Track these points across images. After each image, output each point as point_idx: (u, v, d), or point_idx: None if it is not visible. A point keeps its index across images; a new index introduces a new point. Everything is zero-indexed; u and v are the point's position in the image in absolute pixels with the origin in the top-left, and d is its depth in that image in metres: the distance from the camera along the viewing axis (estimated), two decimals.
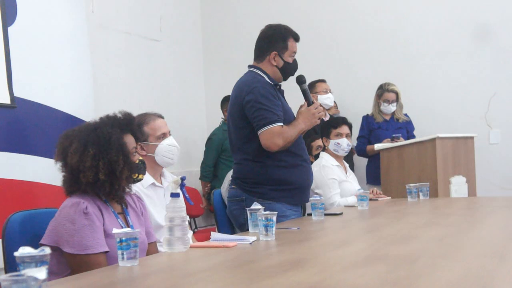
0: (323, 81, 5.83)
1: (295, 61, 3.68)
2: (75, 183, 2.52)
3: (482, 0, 6.04)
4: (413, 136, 5.64)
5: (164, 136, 3.37)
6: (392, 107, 5.66)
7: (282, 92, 3.71)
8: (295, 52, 3.67)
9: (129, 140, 2.68)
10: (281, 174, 3.60)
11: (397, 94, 5.66)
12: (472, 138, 5.39)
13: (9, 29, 4.00)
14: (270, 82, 3.63)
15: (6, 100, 3.94)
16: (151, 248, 2.75)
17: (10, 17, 4.02)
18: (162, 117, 3.49)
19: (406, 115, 5.79)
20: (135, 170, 2.66)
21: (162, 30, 6.19)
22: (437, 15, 6.19)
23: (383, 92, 5.66)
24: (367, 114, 5.77)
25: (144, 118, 3.37)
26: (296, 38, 3.67)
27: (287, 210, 3.54)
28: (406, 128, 5.70)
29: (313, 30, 6.39)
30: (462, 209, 4.03)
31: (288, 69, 3.67)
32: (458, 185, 5.05)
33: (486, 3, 6.02)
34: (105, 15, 5.40)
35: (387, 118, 5.70)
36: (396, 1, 6.39)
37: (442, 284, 1.76)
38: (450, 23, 6.13)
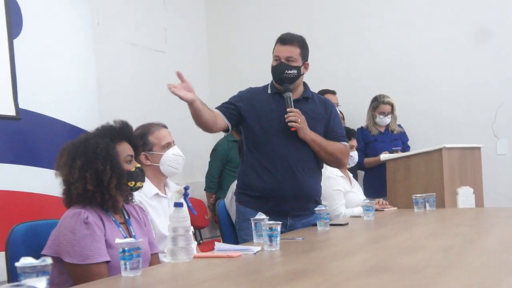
0: (332, 92, 5.84)
1: (279, 65, 3.58)
2: (67, 196, 2.55)
3: (488, 9, 6.03)
4: (408, 147, 5.70)
5: (169, 145, 3.36)
6: (388, 119, 5.68)
7: (286, 98, 3.59)
8: (276, 56, 3.61)
9: (123, 148, 2.67)
10: (245, 179, 3.66)
11: (392, 106, 5.67)
12: (479, 148, 5.37)
13: (15, 41, 4.02)
14: (269, 90, 3.68)
15: (11, 112, 3.95)
16: (153, 259, 2.74)
17: (15, 29, 4.04)
18: (166, 127, 3.49)
19: (399, 126, 5.80)
20: (131, 178, 2.65)
21: (167, 41, 6.20)
22: (442, 25, 6.18)
23: (379, 104, 5.67)
24: (362, 127, 5.78)
25: (149, 127, 3.37)
26: (281, 41, 3.62)
27: (253, 214, 3.21)
28: (401, 140, 5.73)
29: (318, 40, 6.38)
30: (469, 219, 4.00)
31: (272, 72, 3.64)
32: (465, 196, 5.02)
33: (492, 13, 6.01)
34: (110, 26, 5.41)
35: (382, 130, 5.73)
36: (399, 12, 6.38)
37: None
38: (455, 33, 6.12)
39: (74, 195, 2.52)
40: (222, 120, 3.54)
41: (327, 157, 3.70)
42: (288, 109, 3.55)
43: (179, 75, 3.21)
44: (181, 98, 3.19)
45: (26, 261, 1.82)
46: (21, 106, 4.00)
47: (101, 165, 2.53)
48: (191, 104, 3.26)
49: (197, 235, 6.07)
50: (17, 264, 1.82)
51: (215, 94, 6.44)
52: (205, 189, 6.07)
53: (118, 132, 2.70)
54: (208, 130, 3.53)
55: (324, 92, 5.65)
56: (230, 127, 3.61)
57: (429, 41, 6.22)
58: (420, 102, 6.18)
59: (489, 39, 5.98)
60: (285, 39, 3.60)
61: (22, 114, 4.01)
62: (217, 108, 3.59)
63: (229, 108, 3.61)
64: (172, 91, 3.13)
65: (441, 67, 6.17)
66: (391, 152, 5.37)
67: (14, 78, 3.99)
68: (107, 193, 2.55)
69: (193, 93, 3.24)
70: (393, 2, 6.42)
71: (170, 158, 3.35)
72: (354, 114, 6.11)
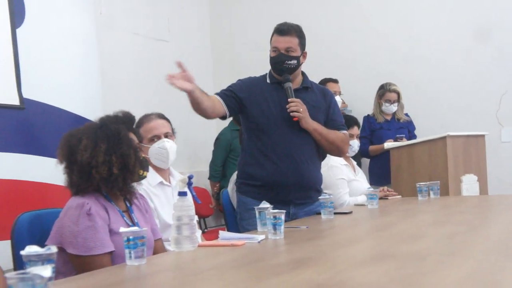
0: (334, 81, 5.83)
1: (278, 55, 3.58)
2: (84, 181, 2.52)
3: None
4: (415, 136, 5.68)
5: (157, 138, 3.36)
6: (394, 107, 5.68)
7: (286, 88, 3.60)
8: (275, 47, 3.61)
9: (133, 137, 2.69)
10: (246, 168, 3.67)
11: (398, 94, 5.68)
12: (483, 136, 5.37)
13: (18, 30, 4.01)
14: (267, 80, 3.68)
15: (15, 102, 3.95)
16: (157, 245, 2.75)
17: (18, 19, 4.03)
18: (163, 118, 3.49)
19: (406, 114, 5.81)
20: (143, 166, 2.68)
21: (170, 30, 6.20)
22: (445, 13, 6.18)
23: (385, 92, 5.68)
24: (368, 115, 5.78)
25: (142, 120, 3.39)
26: (278, 32, 3.61)
27: (254, 204, 3.26)
28: (407, 128, 5.73)
29: (322, 30, 6.39)
30: (473, 207, 4.01)
31: (272, 63, 3.64)
32: (469, 184, 5.02)
33: (498, 2, 5.99)
34: (114, 16, 5.41)
35: (388, 118, 5.73)
36: (402, 3, 6.36)
37: (450, 282, 1.74)
38: (458, 22, 6.11)
39: (95, 179, 2.51)
40: (221, 106, 3.54)
41: (328, 146, 3.71)
42: (289, 99, 3.56)
43: (179, 65, 3.20)
44: (179, 89, 3.19)
45: (31, 249, 1.84)
46: (24, 95, 4.00)
47: (127, 150, 2.56)
48: (190, 94, 3.26)
49: (202, 224, 6.09)
50: (22, 252, 1.83)
51: (219, 83, 6.42)
52: (209, 178, 6.09)
53: (127, 121, 2.71)
54: (206, 116, 3.52)
55: (326, 80, 5.65)
56: (228, 115, 3.62)
57: (434, 30, 6.22)
58: (424, 90, 6.18)
59: (493, 28, 5.96)
60: (283, 30, 3.59)
61: (26, 104, 4.01)
62: (217, 94, 3.59)
63: (230, 96, 3.60)
64: (170, 82, 3.12)
65: (446, 55, 6.18)
66: (396, 139, 5.38)
67: (18, 68, 3.98)
68: (130, 178, 2.58)
69: (193, 83, 3.22)
70: None
71: (155, 151, 3.38)
72: (359, 103, 6.11)
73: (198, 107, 3.37)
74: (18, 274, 1.38)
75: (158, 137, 3.39)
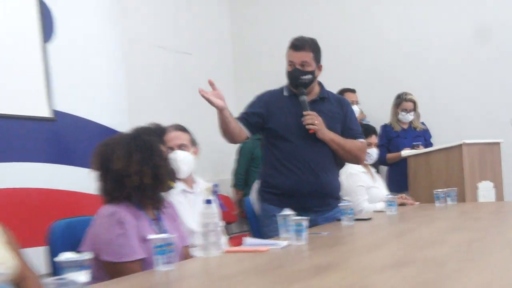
0: (352, 91, 5.83)
1: (293, 70, 3.61)
2: (118, 189, 2.54)
3: (507, 7, 5.99)
4: (431, 144, 5.66)
5: (170, 149, 3.36)
6: (410, 116, 5.68)
7: (302, 101, 3.62)
8: (291, 61, 3.63)
9: (163, 148, 2.72)
10: (267, 178, 3.69)
11: (414, 103, 5.68)
12: (498, 143, 5.33)
13: (47, 45, 4.06)
14: (285, 92, 3.70)
15: (47, 114, 4.00)
16: (185, 251, 2.76)
17: (48, 34, 4.08)
18: (180, 129, 3.51)
19: (423, 123, 5.80)
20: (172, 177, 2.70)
21: (193, 43, 6.23)
22: (460, 27, 6.15)
23: (401, 101, 5.68)
24: (385, 124, 5.77)
25: None
26: (293, 47, 3.62)
27: (276, 211, 3.22)
28: (424, 136, 5.71)
29: (340, 42, 6.39)
30: (490, 213, 3.97)
31: (288, 77, 3.66)
32: (485, 190, 4.99)
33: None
34: (139, 30, 5.46)
35: (405, 127, 5.72)
36: (419, 13, 6.35)
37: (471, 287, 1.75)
38: (473, 32, 6.07)
39: (127, 188, 2.53)
40: (242, 130, 3.59)
41: (345, 155, 3.72)
42: (304, 113, 3.58)
43: (211, 83, 3.26)
44: (211, 103, 3.24)
45: (65, 256, 1.86)
46: (55, 108, 4.05)
47: (158, 161, 2.58)
48: (221, 111, 3.32)
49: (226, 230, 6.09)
50: (58, 258, 1.86)
51: (240, 93, 6.46)
52: (232, 186, 6.10)
53: (158, 133, 2.74)
54: (232, 140, 3.60)
55: (344, 90, 5.67)
56: (249, 136, 3.67)
57: (450, 42, 6.19)
58: (439, 99, 6.15)
59: (507, 35, 5.93)
60: (297, 45, 3.60)
61: (57, 116, 4.05)
62: (237, 118, 3.61)
63: (250, 117, 3.64)
64: (203, 95, 3.17)
65: (461, 66, 6.15)
66: (412, 147, 5.37)
67: (48, 81, 4.03)
68: (160, 187, 2.61)
69: (223, 101, 3.28)
70: (412, 3, 6.39)
71: None
72: (376, 112, 6.10)
73: (226, 128, 3.43)
74: (56, 280, 1.41)
75: (172, 149, 3.40)
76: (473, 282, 1.82)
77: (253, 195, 4.06)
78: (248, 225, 4.11)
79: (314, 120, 3.56)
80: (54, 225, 2.67)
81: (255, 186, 3.97)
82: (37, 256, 2.82)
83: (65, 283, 1.40)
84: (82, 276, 1.43)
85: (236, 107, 6.20)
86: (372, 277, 1.97)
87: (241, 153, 5.99)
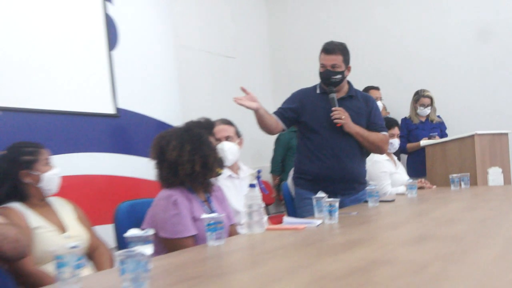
0: (376, 88, 5.79)
1: (325, 71, 3.58)
2: (172, 176, 2.56)
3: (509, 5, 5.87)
4: (446, 135, 5.60)
5: (218, 140, 3.35)
6: (427, 110, 5.62)
7: (331, 98, 3.60)
8: (322, 63, 3.60)
9: (212, 140, 2.73)
10: (300, 165, 3.67)
11: (431, 98, 5.63)
12: (506, 134, 5.25)
13: (112, 52, 4.11)
14: (317, 90, 3.68)
15: (112, 111, 4.05)
16: (231, 229, 2.77)
17: (113, 43, 4.13)
18: (226, 123, 3.53)
19: (439, 116, 5.74)
20: (220, 165, 2.71)
21: (236, 48, 6.24)
22: (472, 30, 6.04)
23: (420, 97, 5.64)
24: (405, 117, 5.73)
25: None
26: (325, 51, 3.60)
27: (308, 195, 3.37)
28: (439, 128, 5.66)
29: (365, 46, 6.33)
30: (500, 195, 3.92)
31: (320, 77, 3.64)
32: (495, 175, 4.92)
33: None
34: (189, 37, 5.47)
35: (423, 119, 5.67)
36: (435, 21, 6.26)
37: (487, 259, 1.72)
38: (479, 33, 5.97)
39: (180, 175, 2.55)
40: (279, 123, 3.58)
41: (369, 146, 3.70)
42: (333, 108, 3.57)
43: (243, 90, 3.27)
44: (246, 107, 3.26)
45: (133, 232, 1.89)
46: (119, 106, 4.10)
47: (207, 151, 2.59)
48: (256, 111, 3.34)
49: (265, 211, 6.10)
50: (125, 235, 1.88)
51: (277, 92, 6.46)
52: (270, 172, 6.11)
53: (207, 126, 2.75)
54: (270, 132, 3.61)
55: (369, 88, 5.63)
56: (285, 129, 3.66)
57: (464, 43, 6.08)
58: (454, 95, 6.06)
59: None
60: (329, 49, 3.58)
61: (120, 113, 4.10)
62: (274, 113, 3.62)
63: (285, 112, 3.64)
64: (238, 103, 3.19)
65: (474, 64, 6.04)
66: (429, 137, 5.32)
67: (113, 83, 4.07)
68: (209, 174, 2.61)
69: (257, 102, 3.30)
70: (428, 12, 6.30)
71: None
72: (398, 106, 6.04)
73: (262, 123, 3.44)
74: (126, 252, 1.43)
75: (219, 140, 3.40)
76: (489, 254, 1.80)
77: (289, 180, 4.06)
78: (285, 207, 4.11)
79: (341, 115, 3.55)
80: (119, 206, 2.71)
81: (291, 172, 3.97)
82: (106, 233, 2.87)
83: (135, 254, 1.41)
84: (148, 249, 1.44)
85: (274, 104, 6.20)
86: (398, 250, 1.95)
87: (278, 143, 5.99)
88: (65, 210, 2.76)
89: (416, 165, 5.38)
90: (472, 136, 4.81)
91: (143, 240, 1.83)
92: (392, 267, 1.63)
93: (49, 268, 2.45)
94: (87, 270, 2.59)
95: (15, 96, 3.38)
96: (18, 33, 3.45)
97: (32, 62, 3.51)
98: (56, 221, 2.65)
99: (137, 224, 2.46)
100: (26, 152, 2.66)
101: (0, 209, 2.53)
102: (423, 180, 4.62)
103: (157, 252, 2.36)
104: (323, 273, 1.59)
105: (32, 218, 2.57)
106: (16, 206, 2.58)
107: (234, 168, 3.51)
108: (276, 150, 6.02)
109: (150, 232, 1.87)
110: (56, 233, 2.59)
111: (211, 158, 2.60)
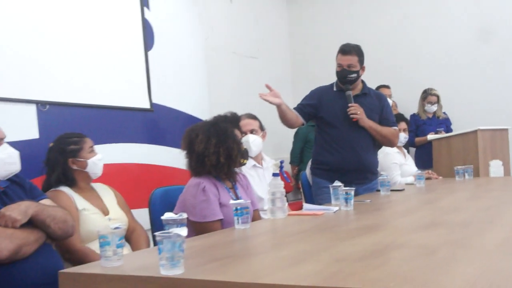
0: (386, 86, 5.76)
1: (342, 71, 3.55)
2: (200, 166, 2.57)
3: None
4: (451, 130, 5.56)
5: (244, 134, 3.34)
6: (434, 107, 5.58)
7: (347, 95, 3.57)
8: (339, 63, 3.57)
9: (237, 132, 2.72)
10: (318, 157, 3.65)
11: (438, 96, 5.59)
12: (506, 129, 5.20)
13: (149, 53, 4.12)
14: (334, 88, 3.65)
15: (147, 106, 4.07)
16: (255, 214, 2.77)
17: (149, 44, 4.14)
18: (251, 117, 3.52)
19: (444, 113, 5.69)
20: (244, 156, 2.70)
21: (259, 49, 6.21)
22: (474, 31, 5.95)
23: (427, 95, 5.59)
24: (414, 113, 5.68)
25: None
26: (342, 52, 3.57)
27: (325, 184, 3.36)
28: (445, 124, 5.62)
29: (378, 46, 6.26)
30: (501, 185, 3.87)
31: (337, 76, 3.61)
32: (495, 167, 4.87)
33: None
34: (217, 39, 5.46)
35: (430, 116, 5.63)
36: (442, 22, 6.18)
37: (492, 243, 1.70)
38: (480, 34, 5.89)
39: (206, 166, 2.55)
40: (299, 118, 3.58)
41: (381, 139, 3.67)
42: (349, 104, 3.55)
43: (268, 86, 3.29)
44: (270, 102, 3.27)
45: (168, 215, 1.89)
46: (153, 101, 4.11)
47: (232, 144, 2.59)
48: (278, 107, 3.35)
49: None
50: (162, 217, 1.89)
51: (296, 90, 6.41)
52: (289, 163, 6.09)
53: (233, 120, 2.74)
54: (290, 126, 3.63)
55: (380, 86, 5.60)
56: (304, 123, 3.65)
57: (468, 44, 6.01)
58: (459, 93, 5.99)
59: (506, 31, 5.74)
60: (345, 50, 3.56)
61: (154, 107, 4.12)
62: (294, 108, 3.61)
63: (304, 107, 3.62)
64: (263, 98, 3.21)
65: (478, 64, 5.97)
66: (436, 132, 5.29)
67: (149, 81, 4.09)
68: (233, 165, 2.61)
69: (280, 98, 3.30)
70: (435, 18, 6.22)
71: (244, 144, 3.37)
72: (407, 103, 5.98)
73: (284, 117, 3.45)
74: (163, 233, 1.43)
75: (245, 133, 3.39)
76: (495, 238, 1.78)
77: (307, 170, 4.04)
78: (302, 194, 4.09)
79: (357, 111, 3.53)
80: (154, 192, 2.73)
81: (309, 163, 3.95)
82: (141, 216, 2.89)
83: (171, 236, 1.41)
84: (183, 231, 1.44)
85: (293, 100, 6.18)
86: (409, 235, 1.93)
87: (297, 136, 5.97)
88: (107, 195, 2.78)
89: (424, 157, 5.34)
90: (475, 131, 4.78)
91: (178, 223, 1.83)
92: (405, 250, 1.62)
93: (93, 246, 2.47)
94: (125, 250, 2.61)
95: (61, 92, 3.41)
96: (68, 37, 3.48)
97: (77, 61, 3.53)
98: (100, 205, 2.68)
99: (170, 209, 2.46)
100: (72, 142, 2.69)
101: (52, 192, 2.56)
102: (430, 171, 4.58)
103: (188, 235, 2.37)
104: (342, 255, 1.58)
105: (79, 201, 2.60)
106: (65, 189, 2.62)
107: (258, 158, 3.50)
108: (295, 143, 6.00)
109: (184, 215, 1.87)
110: (99, 215, 2.61)
111: (234, 150, 2.60)
